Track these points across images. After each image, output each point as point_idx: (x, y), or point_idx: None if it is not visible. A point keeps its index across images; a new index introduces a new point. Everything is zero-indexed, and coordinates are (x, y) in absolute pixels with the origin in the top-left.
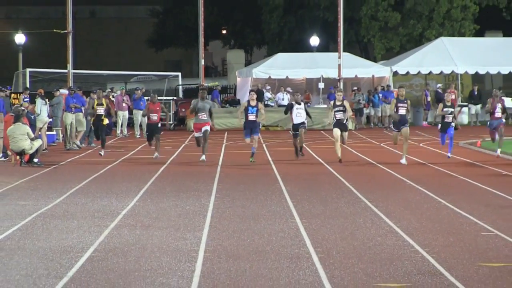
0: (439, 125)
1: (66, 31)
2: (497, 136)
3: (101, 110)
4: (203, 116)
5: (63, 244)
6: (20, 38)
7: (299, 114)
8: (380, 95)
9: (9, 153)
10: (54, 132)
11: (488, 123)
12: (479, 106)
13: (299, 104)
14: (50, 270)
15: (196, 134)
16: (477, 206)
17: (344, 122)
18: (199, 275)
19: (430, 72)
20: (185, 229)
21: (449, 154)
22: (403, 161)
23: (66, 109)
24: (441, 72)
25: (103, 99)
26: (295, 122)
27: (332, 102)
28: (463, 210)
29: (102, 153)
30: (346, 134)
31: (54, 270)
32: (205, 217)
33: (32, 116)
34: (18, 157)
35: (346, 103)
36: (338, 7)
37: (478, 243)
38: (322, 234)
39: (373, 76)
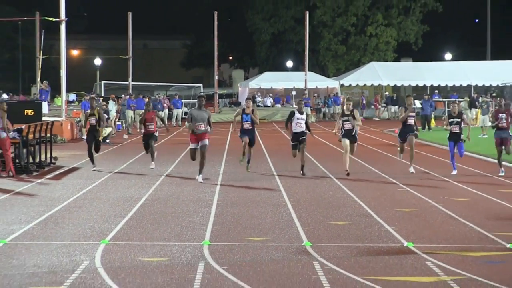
0: (448, 135)
1: (127, 57)
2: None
3: (93, 121)
4: (201, 126)
5: (125, 195)
6: (97, 61)
7: (299, 124)
8: (332, 99)
9: (85, 137)
10: (120, 123)
11: (495, 133)
12: (396, 106)
13: (301, 113)
14: (117, 212)
15: (192, 146)
16: (395, 172)
17: (353, 133)
18: (213, 216)
19: (365, 84)
20: (204, 186)
21: (454, 171)
22: (411, 169)
23: (127, 108)
24: (372, 84)
25: (96, 109)
26: (294, 131)
27: (340, 111)
28: (386, 174)
29: (96, 168)
30: (355, 145)
31: (119, 212)
32: (218, 178)
33: (106, 114)
34: None
35: (356, 112)
36: (305, 42)
37: (395, 195)
38: (294, 189)
39: (327, 87)
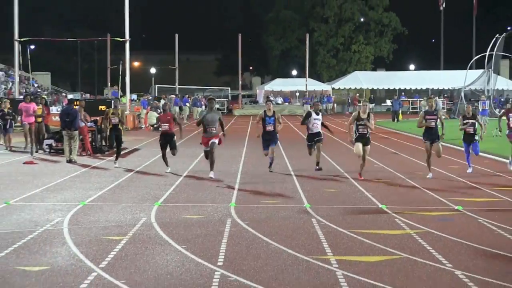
0: (462, 136)
1: (174, 67)
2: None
3: (116, 120)
4: (212, 129)
5: (173, 168)
6: (152, 70)
7: (315, 125)
8: (326, 99)
9: (143, 126)
10: None
11: (508, 132)
12: (373, 104)
13: (317, 114)
14: (161, 185)
15: (205, 149)
16: (376, 154)
17: (367, 135)
18: (238, 184)
19: (350, 88)
20: (232, 162)
21: (470, 170)
22: (430, 175)
23: (173, 105)
24: (355, 88)
25: (118, 109)
26: (310, 131)
27: (354, 114)
28: (369, 156)
29: (117, 164)
30: (368, 148)
31: (163, 185)
32: (241, 157)
33: (158, 109)
34: (151, 127)
35: (371, 116)
36: (306, 56)
37: (376, 171)
38: (299, 166)
39: (322, 90)
